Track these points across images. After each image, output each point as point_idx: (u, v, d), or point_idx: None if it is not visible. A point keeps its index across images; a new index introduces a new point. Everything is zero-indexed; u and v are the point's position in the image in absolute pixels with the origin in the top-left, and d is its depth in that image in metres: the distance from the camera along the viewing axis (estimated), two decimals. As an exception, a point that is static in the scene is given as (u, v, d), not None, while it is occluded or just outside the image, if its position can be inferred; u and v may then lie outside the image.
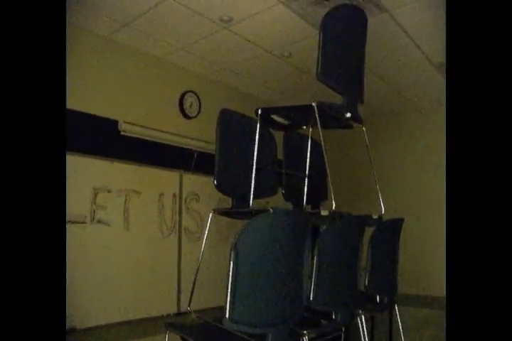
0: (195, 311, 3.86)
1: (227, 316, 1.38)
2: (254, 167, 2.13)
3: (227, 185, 2.14)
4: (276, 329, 1.54)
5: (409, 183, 5.26)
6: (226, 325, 1.39)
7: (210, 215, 2.25)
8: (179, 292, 3.86)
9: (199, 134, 4.14)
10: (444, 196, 1.29)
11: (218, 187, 2.06)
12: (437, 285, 4.34)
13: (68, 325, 3.05)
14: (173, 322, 2.23)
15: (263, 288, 1.52)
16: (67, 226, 3.10)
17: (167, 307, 3.77)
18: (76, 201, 3.18)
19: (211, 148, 4.21)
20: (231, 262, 1.43)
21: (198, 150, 4.11)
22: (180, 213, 3.94)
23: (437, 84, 4.36)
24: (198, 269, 2.54)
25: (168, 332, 1.91)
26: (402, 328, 2.59)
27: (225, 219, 4.30)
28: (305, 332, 1.71)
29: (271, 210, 1.63)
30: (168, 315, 3.75)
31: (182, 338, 1.87)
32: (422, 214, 4.92)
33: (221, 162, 2.06)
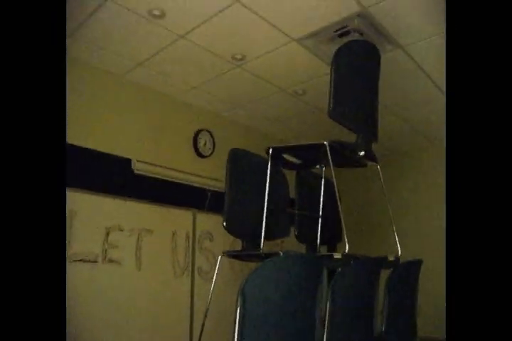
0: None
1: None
2: (266, 207, 2.08)
3: (237, 226, 2.09)
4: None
5: (425, 223, 5.09)
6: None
7: (219, 258, 2.19)
8: (191, 334, 3.74)
9: (213, 173, 4.12)
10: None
11: (228, 228, 2.01)
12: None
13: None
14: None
15: (271, 334, 1.45)
16: (78, 264, 3.05)
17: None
18: (88, 240, 3.15)
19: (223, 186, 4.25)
20: (238, 307, 1.37)
21: (212, 189, 4.08)
22: (193, 252, 3.87)
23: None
24: (206, 315, 2.45)
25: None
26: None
27: (236, 261, 4.25)
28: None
29: (281, 254, 1.58)
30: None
31: None
32: (441, 255, 4.75)
33: (231, 202, 2.02)
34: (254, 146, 4.62)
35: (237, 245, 4.25)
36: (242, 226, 2.14)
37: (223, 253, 2.21)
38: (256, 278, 1.40)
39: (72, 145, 3.12)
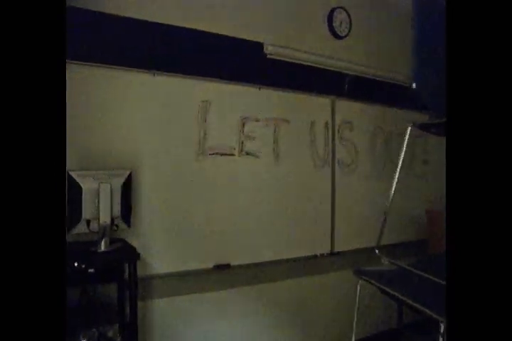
0: (342, 252, 3.64)
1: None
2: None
3: (428, 88, 1.70)
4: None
5: None
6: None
7: (408, 130, 1.90)
8: (333, 229, 3.61)
9: (351, 56, 3.70)
10: None
11: (418, 93, 1.65)
12: None
13: (222, 260, 3.00)
14: (363, 269, 1.99)
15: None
16: (214, 158, 2.97)
17: (320, 246, 3.57)
18: (223, 132, 3.02)
19: (364, 71, 3.82)
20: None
21: (351, 73, 3.68)
22: (333, 143, 3.61)
23: None
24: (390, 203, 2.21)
25: (359, 281, 1.66)
26: None
27: (379, 150, 3.93)
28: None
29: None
30: (322, 255, 3.55)
31: (380, 289, 1.61)
32: None
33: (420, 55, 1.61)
34: (395, 27, 4.11)
35: (379, 136, 3.95)
36: (432, 88, 1.76)
37: (413, 124, 1.88)
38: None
39: (198, 31, 2.90)
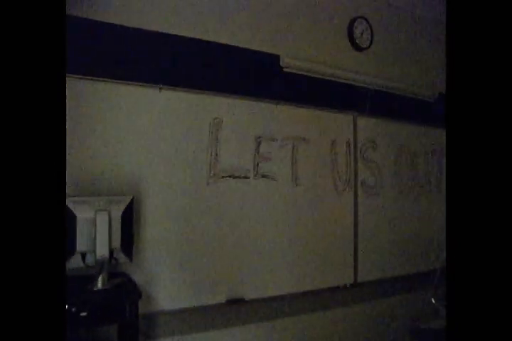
0: (362, 284, 3.32)
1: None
2: None
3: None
4: None
5: None
6: None
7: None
8: (356, 257, 3.30)
9: (373, 69, 3.45)
10: None
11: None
12: None
13: (235, 294, 2.70)
14: (422, 327, 1.69)
15: None
16: (227, 181, 2.69)
17: (342, 276, 3.24)
18: (237, 152, 2.76)
19: (387, 85, 3.54)
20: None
21: (373, 88, 3.41)
22: (355, 164, 3.32)
23: None
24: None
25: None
26: None
27: (406, 172, 3.65)
28: None
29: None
30: (345, 287, 3.23)
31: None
32: None
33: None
34: (419, 36, 3.86)
35: (404, 154, 3.67)
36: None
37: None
38: None
39: (208, 42, 2.67)
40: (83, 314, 1.77)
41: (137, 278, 2.23)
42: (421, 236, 3.70)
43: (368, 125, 3.39)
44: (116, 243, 1.99)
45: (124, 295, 2.02)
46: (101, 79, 2.31)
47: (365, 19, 3.41)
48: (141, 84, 2.42)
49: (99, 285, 1.96)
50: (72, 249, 1.92)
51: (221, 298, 2.66)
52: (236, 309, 2.73)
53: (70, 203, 1.92)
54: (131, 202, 2.09)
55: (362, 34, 3.38)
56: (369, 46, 3.43)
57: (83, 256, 1.98)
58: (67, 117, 1.23)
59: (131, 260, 2.09)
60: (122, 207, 2.05)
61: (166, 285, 2.46)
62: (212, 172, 2.64)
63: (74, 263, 1.95)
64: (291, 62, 2.95)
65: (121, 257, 2.04)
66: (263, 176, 2.87)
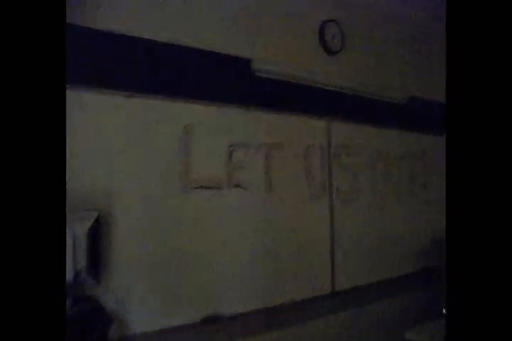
0: (340, 292, 3.24)
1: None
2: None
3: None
4: None
5: None
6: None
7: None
8: (333, 266, 3.21)
9: (345, 73, 3.37)
10: None
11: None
12: None
13: (211, 311, 2.56)
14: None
15: None
16: (199, 192, 2.55)
17: (319, 286, 3.14)
18: (208, 161, 2.62)
19: (360, 89, 3.47)
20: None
21: (346, 92, 3.34)
22: (329, 170, 3.23)
23: None
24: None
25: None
26: None
27: (381, 177, 3.59)
28: None
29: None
30: (323, 296, 3.13)
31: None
32: None
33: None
34: (392, 38, 3.81)
35: (380, 160, 3.62)
36: None
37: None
38: None
39: (175, 46, 2.52)
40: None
41: (107, 301, 2.05)
42: (399, 240, 3.66)
43: (342, 130, 3.31)
44: (81, 264, 1.83)
45: (92, 321, 1.86)
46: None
47: (336, 22, 3.33)
48: (106, 91, 2.25)
49: (64, 312, 1.79)
50: (32, 273, 1.74)
51: (197, 317, 2.51)
52: (211, 327, 2.58)
53: (29, 222, 1.74)
54: (98, 218, 1.93)
55: (333, 38, 3.29)
56: (340, 50, 3.35)
57: (45, 279, 1.80)
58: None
59: (99, 282, 1.92)
60: (88, 223, 1.89)
61: (138, 307, 2.29)
62: (184, 184, 2.49)
63: (35, 288, 1.77)
64: (262, 66, 2.83)
65: (88, 280, 1.88)
66: (236, 186, 2.73)
